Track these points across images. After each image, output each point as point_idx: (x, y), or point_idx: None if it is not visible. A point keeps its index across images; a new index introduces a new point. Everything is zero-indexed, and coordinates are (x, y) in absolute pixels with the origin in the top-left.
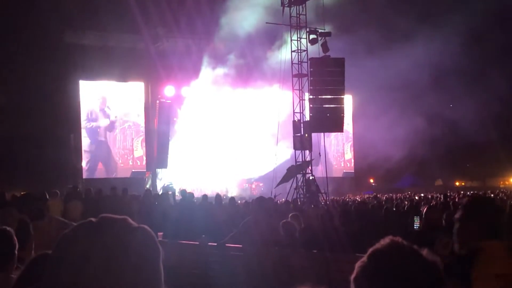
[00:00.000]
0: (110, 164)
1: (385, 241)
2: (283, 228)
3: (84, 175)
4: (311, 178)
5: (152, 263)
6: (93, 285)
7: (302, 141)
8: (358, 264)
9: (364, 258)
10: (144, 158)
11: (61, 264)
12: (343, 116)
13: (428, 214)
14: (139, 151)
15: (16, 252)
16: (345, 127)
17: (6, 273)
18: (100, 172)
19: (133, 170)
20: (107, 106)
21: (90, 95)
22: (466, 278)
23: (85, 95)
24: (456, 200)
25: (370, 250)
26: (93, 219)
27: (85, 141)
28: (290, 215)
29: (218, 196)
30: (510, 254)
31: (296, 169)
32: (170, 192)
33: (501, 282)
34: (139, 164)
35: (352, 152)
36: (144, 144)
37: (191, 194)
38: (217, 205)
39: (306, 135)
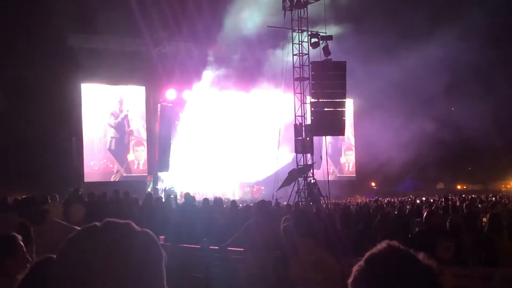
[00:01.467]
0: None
1: (382, 245)
2: (284, 231)
3: (104, 177)
4: (312, 181)
5: (155, 267)
6: None
7: (303, 145)
8: (355, 268)
9: (361, 262)
10: (137, 162)
11: (66, 268)
12: (345, 120)
13: (429, 218)
14: (131, 155)
15: (22, 257)
16: (346, 130)
17: (11, 278)
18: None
19: (133, 174)
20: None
21: (98, 98)
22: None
23: (104, 97)
24: (457, 203)
25: (367, 254)
26: (97, 223)
27: (112, 141)
28: (283, 218)
29: (217, 199)
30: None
31: (297, 173)
32: (172, 196)
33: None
34: (135, 168)
35: (354, 156)
36: (136, 148)
37: (193, 198)
38: (216, 208)
39: (308, 138)
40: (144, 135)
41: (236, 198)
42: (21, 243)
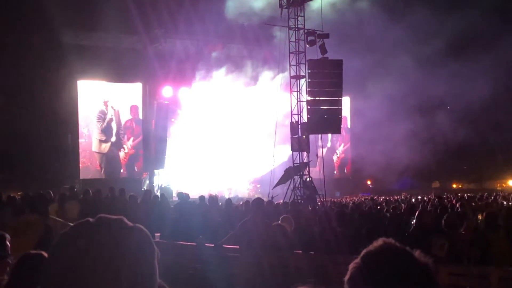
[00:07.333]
0: (116, 165)
1: (378, 242)
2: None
3: (99, 175)
4: (308, 179)
5: (147, 262)
6: (90, 284)
7: (299, 143)
8: (351, 266)
9: (357, 259)
10: (133, 159)
11: (58, 263)
12: (341, 118)
13: (420, 217)
14: (126, 152)
15: (7, 256)
16: (342, 128)
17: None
18: (109, 173)
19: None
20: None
21: (95, 95)
22: None
23: (100, 94)
24: (454, 202)
25: (363, 251)
26: (90, 219)
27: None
28: (281, 217)
29: (212, 197)
30: None
31: (293, 171)
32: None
33: None
34: (131, 165)
35: (350, 154)
36: (130, 145)
37: (187, 195)
38: (212, 206)
39: (304, 136)
40: (139, 132)
41: (232, 196)
42: (8, 243)
